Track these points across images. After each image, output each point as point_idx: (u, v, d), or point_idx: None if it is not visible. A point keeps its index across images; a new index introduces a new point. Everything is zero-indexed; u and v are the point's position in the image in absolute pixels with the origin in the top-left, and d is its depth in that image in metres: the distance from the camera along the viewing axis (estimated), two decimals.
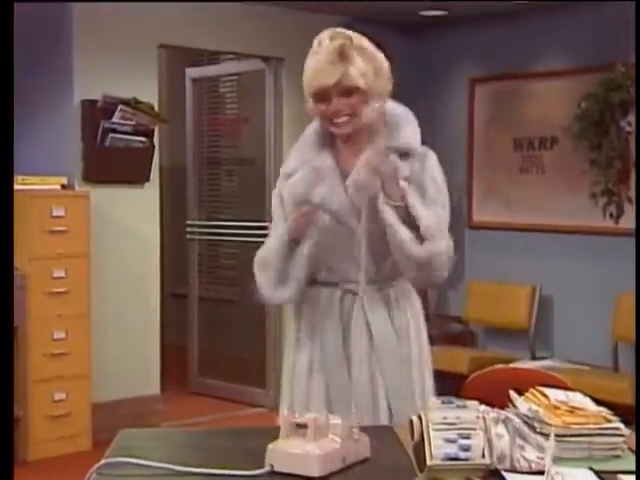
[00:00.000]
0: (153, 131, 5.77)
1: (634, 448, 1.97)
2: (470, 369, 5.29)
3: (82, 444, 5.31)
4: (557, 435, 1.85)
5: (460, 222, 6.86)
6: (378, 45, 2.58)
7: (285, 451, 1.86)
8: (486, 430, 1.79)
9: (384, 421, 2.50)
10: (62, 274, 5.25)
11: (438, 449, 1.76)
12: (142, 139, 5.68)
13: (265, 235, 2.69)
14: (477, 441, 1.77)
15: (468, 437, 1.77)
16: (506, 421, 1.93)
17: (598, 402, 2.03)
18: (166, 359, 6.18)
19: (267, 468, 1.85)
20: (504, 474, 1.83)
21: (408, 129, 2.57)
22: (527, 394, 2.06)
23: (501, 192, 6.72)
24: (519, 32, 6.51)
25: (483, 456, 1.77)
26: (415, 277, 2.54)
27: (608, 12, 5.80)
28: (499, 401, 2.05)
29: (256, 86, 6.65)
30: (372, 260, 2.53)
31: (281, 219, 2.60)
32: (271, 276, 2.56)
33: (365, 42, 2.55)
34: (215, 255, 7.20)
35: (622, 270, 5.77)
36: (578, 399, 2.02)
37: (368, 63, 2.50)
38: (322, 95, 2.50)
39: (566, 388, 2.19)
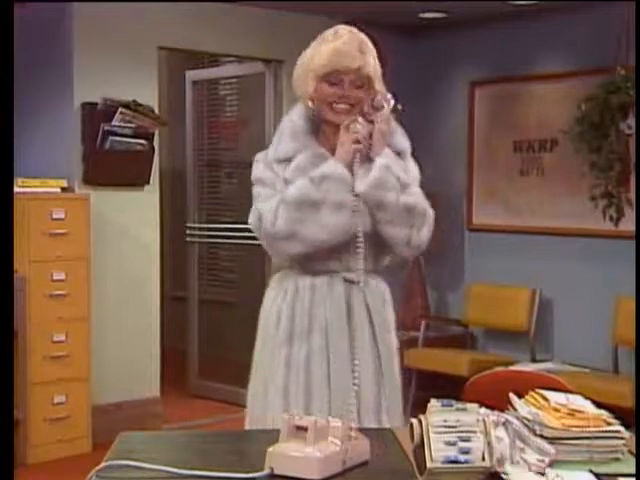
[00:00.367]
0: (153, 134, 5.77)
1: (634, 451, 1.97)
2: (470, 372, 5.28)
3: (82, 447, 5.31)
4: (557, 438, 1.85)
5: (460, 224, 6.87)
6: (376, 48, 2.64)
7: (285, 454, 1.85)
8: (486, 433, 1.79)
9: (384, 407, 2.60)
10: (62, 277, 5.25)
11: (438, 452, 1.76)
12: (142, 142, 5.67)
13: None
14: (477, 444, 1.77)
15: (468, 440, 1.77)
16: (506, 424, 1.92)
17: (598, 405, 2.03)
18: (166, 362, 6.17)
19: (267, 471, 1.85)
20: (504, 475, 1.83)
21: (398, 133, 2.67)
22: (527, 397, 2.06)
23: (501, 195, 6.71)
24: (519, 35, 6.51)
25: (483, 459, 1.77)
26: (400, 241, 2.58)
27: (608, 15, 5.80)
28: (499, 404, 2.05)
29: (256, 89, 6.64)
30: (371, 252, 2.60)
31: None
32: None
33: (371, 45, 2.62)
34: (215, 258, 7.20)
35: (622, 273, 5.77)
36: (578, 402, 2.01)
37: (376, 64, 2.59)
38: (336, 78, 2.52)
39: (566, 391, 2.19)
